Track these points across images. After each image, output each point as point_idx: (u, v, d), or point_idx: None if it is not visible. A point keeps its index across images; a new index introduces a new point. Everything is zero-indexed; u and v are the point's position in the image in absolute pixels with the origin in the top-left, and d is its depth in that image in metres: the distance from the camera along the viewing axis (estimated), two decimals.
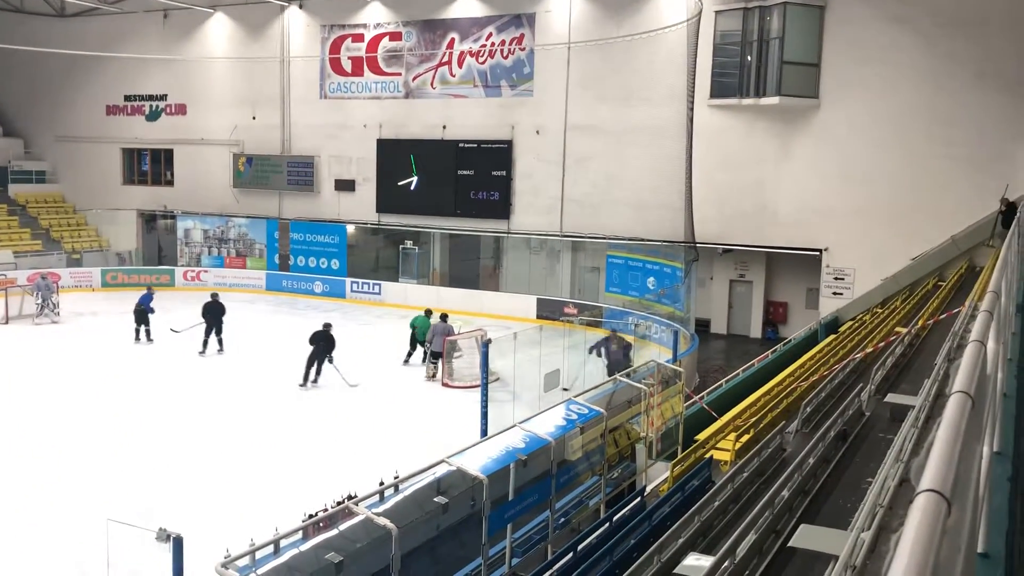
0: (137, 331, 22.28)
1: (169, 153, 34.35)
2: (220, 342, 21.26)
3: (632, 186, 25.38)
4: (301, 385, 18.13)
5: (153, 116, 34.28)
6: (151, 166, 35.20)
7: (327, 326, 18.80)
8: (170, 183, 34.48)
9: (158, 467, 13.31)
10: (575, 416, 10.43)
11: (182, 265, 32.94)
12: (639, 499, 10.03)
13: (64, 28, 34.37)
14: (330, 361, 18.28)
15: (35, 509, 11.50)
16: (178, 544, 5.70)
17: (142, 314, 22.20)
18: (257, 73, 31.77)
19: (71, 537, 10.60)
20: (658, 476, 11.38)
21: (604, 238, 26.17)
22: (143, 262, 34.24)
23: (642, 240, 24.82)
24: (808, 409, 9.56)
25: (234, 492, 12.39)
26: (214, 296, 21.81)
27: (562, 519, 9.98)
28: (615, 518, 9.29)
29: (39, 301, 24.92)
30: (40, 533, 10.81)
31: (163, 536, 5.69)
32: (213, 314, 21.19)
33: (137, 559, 6.62)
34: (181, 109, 33.67)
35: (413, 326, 21.01)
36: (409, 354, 20.90)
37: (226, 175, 32.67)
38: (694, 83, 22.97)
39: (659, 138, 23.47)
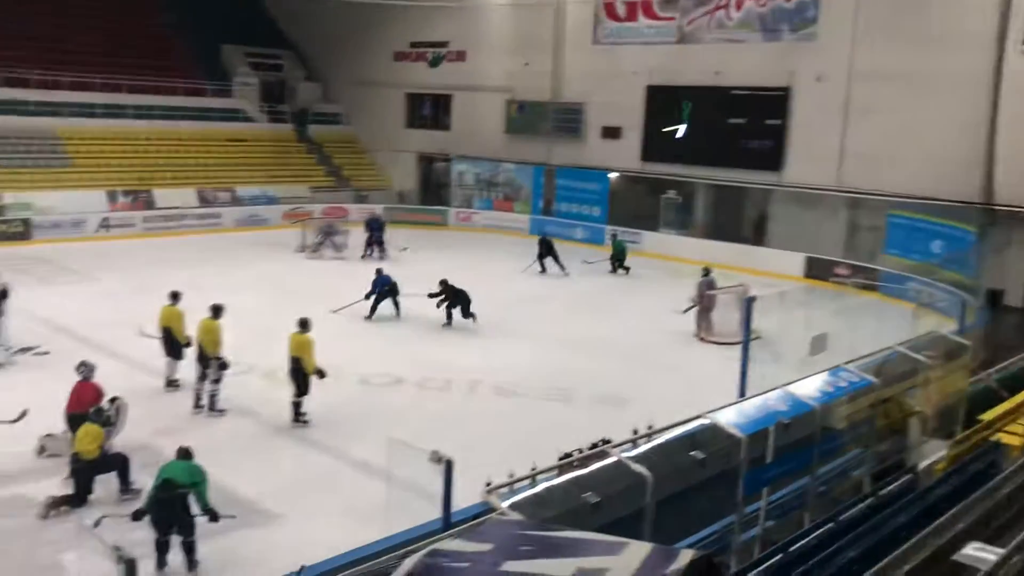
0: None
1: (448, 99, 36.09)
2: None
3: (923, 140, 23.29)
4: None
5: (435, 62, 36.06)
6: (431, 110, 37.20)
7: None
8: (447, 127, 36.28)
9: (428, 395, 14.30)
10: (844, 383, 9.85)
11: (455, 206, 34.71)
12: (909, 476, 9.35)
13: None
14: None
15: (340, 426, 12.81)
16: (449, 467, 6.10)
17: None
18: (532, 19, 32.38)
19: (357, 449, 11.73)
20: (933, 455, 10.54)
21: (887, 195, 24.26)
22: (420, 202, 36.48)
23: (932, 199, 22.75)
24: None
25: (492, 428, 13.04)
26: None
27: (822, 488, 9.55)
28: (881, 493, 8.73)
29: (319, 239, 26.76)
30: (336, 443, 12.05)
31: (436, 458, 6.12)
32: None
33: (412, 475, 7.20)
34: (461, 56, 35.14)
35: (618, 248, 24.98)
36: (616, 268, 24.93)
37: (498, 121, 33.81)
38: (1006, 25, 20.47)
39: (959, 87, 21.27)
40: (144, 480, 9.95)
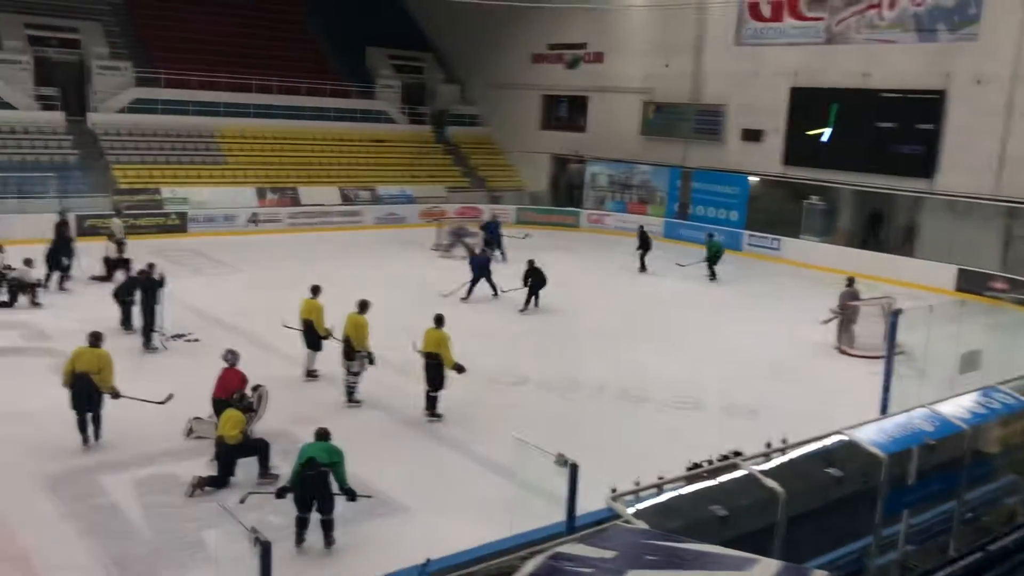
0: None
1: (584, 100, 36.06)
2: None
3: None
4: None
5: (573, 64, 36.09)
6: (567, 112, 37.26)
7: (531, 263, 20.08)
8: (582, 129, 36.24)
9: (553, 397, 14.33)
10: (997, 404, 9.25)
11: (587, 208, 34.63)
12: None
13: None
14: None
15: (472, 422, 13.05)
16: (574, 470, 6.07)
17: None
18: (673, 21, 31.92)
19: (485, 447, 11.91)
20: None
21: None
22: (552, 203, 36.59)
23: None
24: None
25: (618, 433, 12.93)
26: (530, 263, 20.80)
27: (970, 514, 8.99)
28: None
29: (450, 240, 26.94)
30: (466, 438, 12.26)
31: (562, 461, 6.10)
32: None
33: (537, 476, 7.23)
34: (599, 57, 35.03)
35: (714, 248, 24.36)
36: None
37: (634, 122, 33.53)
38: None
39: None
40: (283, 466, 10.40)
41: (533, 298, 20.05)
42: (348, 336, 13.27)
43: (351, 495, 9.21)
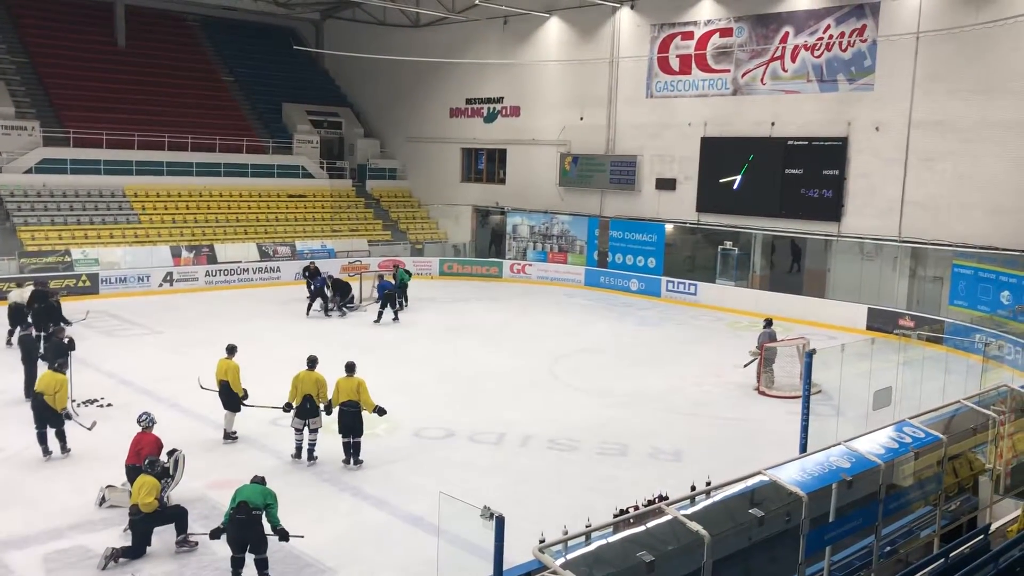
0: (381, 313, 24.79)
1: (503, 152, 36.51)
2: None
3: (988, 188, 22.87)
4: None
5: (490, 118, 36.60)
6: (486, 165, 37.67)
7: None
8: (502, 181, 36.64)
9: (481, 449, 14.24)
10: (908, 439, 9.53)
11: (510, 258, 34.89)
12: (982, 537, 8.97)
13: (418, 38, 37.74)
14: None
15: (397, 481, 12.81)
16: (500, 523, 6.01)
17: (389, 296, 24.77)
18: (586, 75, 32.73)
19: (411, 503, 11.71)
20: (1006, 514, 10.12)
21: (951, 245, 23.76)
22: (475, 254, 36.74)
23: (998, 249, 22.20)
24: None
25: (546, 483, 12.88)
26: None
27: (888, 548, 9.20)
28: (952, 555, 8.38)
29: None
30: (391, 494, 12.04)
31: (487, 514, 6.04)
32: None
33: (463, 530, 7.14)
34: (515, 111, 35.61)
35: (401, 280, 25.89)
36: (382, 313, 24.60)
37: (553, 174, 34.05)
38: None
39: (1022, 134, 20.83)
40: (201, 533, 10.04)
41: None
42: (309, 394, 13.07)
43: (284, 536, 9.52)
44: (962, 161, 23.53)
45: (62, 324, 17.94)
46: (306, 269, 26.58)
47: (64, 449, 13.07)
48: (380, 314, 24.46)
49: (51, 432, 13.03)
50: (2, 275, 25.43)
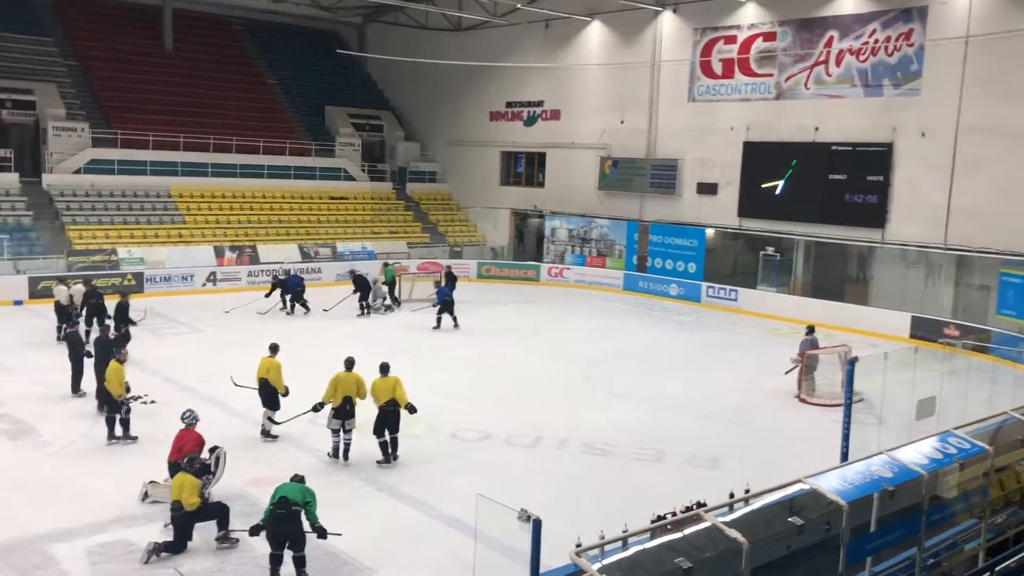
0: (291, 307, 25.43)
1: (542, 156, 36.54)
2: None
3: None
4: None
5: (530, 121, 36.63)
6: (525, 168, 37.73)
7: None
8: (541, 184, 36.66)
9: (518, 452, 14.24)
10: (953, 450, 9.36)
11: (547, 262, 34.87)
12: None
13: (460, 41, 37.88)
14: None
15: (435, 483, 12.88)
16: (537, 526, 6.01)
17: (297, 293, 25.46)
18: (628, 78, 32.63)
19: (450, 503, 11.77)
20: None
21: (999, 253, 23.28)
22: (513, 257, 36.78)
23: None
24: None
25: (581, 487, 12.85)
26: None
27: (931, 560, 9.03)
28: (997, 568, 8.22)
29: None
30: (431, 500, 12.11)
31: (524, 516, 6.04)
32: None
33: (500, 533, 7.15)
34: (555, 114, 35.61)
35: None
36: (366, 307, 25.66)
37: (592, 177, 33.99)
38: None
39: None
40: (242, 530, 10.17)
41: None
42: (349, 395, 13.15)
43: (322, 533, 9.59)
44: (1012, 168, 23.08)
45: (126, 325, 19.16)
46: (352, 272, 27.19)
47: (127, 436, 13.81)
48: (439, 320, 24.08)
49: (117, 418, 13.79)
50: (51, 273, 25.97)
